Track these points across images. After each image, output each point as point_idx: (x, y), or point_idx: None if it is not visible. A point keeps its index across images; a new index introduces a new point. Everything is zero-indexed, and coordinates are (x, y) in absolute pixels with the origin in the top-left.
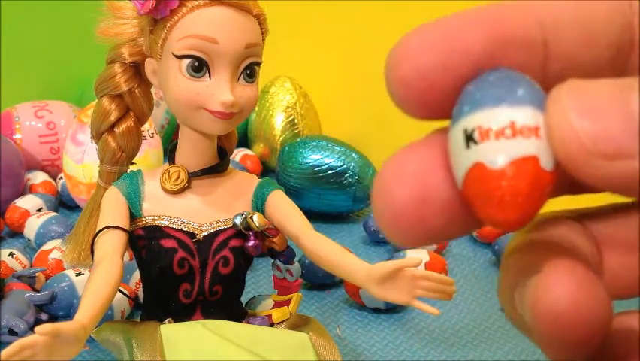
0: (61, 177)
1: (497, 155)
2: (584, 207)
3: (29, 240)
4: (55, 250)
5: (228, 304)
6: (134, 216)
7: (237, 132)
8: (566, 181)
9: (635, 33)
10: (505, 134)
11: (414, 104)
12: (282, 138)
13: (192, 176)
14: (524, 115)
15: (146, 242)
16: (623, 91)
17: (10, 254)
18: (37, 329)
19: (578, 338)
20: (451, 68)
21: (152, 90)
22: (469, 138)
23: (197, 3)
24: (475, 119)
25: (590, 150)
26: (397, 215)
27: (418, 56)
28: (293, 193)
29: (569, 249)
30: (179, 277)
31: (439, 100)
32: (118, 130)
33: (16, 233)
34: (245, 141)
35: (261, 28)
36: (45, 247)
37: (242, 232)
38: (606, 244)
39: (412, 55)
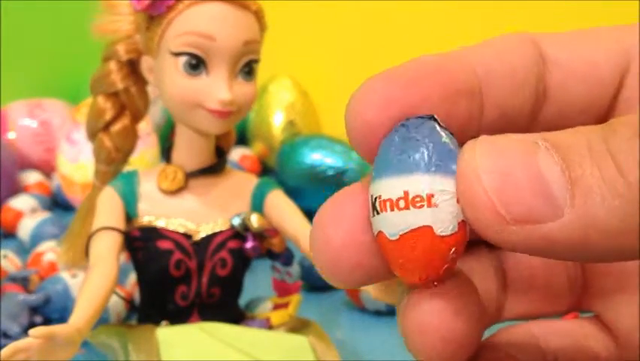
0: (56, 177)
1: (392, 227)
2: None
3: (23, 241)
4: (49, 251)
5: (226, 306)
6: (129, 217)
7: (235, 131)
8: None
9: (546, 84)
10: (399, 206)
11: (375, 149)
12: (281, 138)
13: (189, 176)
14: (418, 183)
15: (142, 243)
16: (529, 149)
17: (4, 256)
18: (31, 332)
19: (445, 351)
20: (412, 115)
21: (149, 88)
22: (373, 207)
23: None
24: (377, 188)
25: (504, 217)
26: (335, 259)
27: (383, 102)
28: (292, 193)
29: (458, 276)
30: (176, 279)
31: None
32: (113, 129)
33: (10, 234)
34: (243, 141)
35: (260, 25)
36: (39, 249)
37: (240, 233)
38: (512, 268)
39: (377, 100)
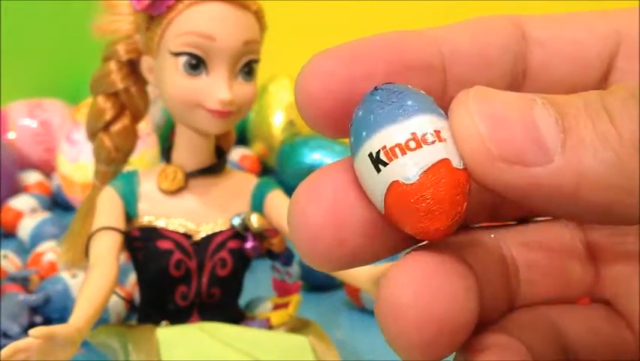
0: (56, 177)
1: (409, 169)
2: (502, 223)
3: (23, 241)
4: (49, 251)
5: (226, 306)
6: (130, 217)
7: (235, 131)
8: (485, 207)
9: (527, 64)
10: (410, 147)
11: (322, 122)
12: (281, 138)
13: (189, 176)
14: (422, 123)
15: (142, 243)
16: (525, 102)
17: (4, 256)
18: (31, 332)
19: (422, 336)
20: (356, 90)
21: (149, 88)
22: (377, 161)
23: None
24: (377, 142)
25: (492, 153)
26: (314, 238)
27: (326, 76)
28: (292, 193)
29: (443, 251)
30: (176, 279)
31: (344, 119)
32: (113, 129)
33: (10, 234)
34: (243, 141)
35: (260, 25)
36: (39, 249)
37: (240, 233)
38: (522, 254)
39: (320, 75)
